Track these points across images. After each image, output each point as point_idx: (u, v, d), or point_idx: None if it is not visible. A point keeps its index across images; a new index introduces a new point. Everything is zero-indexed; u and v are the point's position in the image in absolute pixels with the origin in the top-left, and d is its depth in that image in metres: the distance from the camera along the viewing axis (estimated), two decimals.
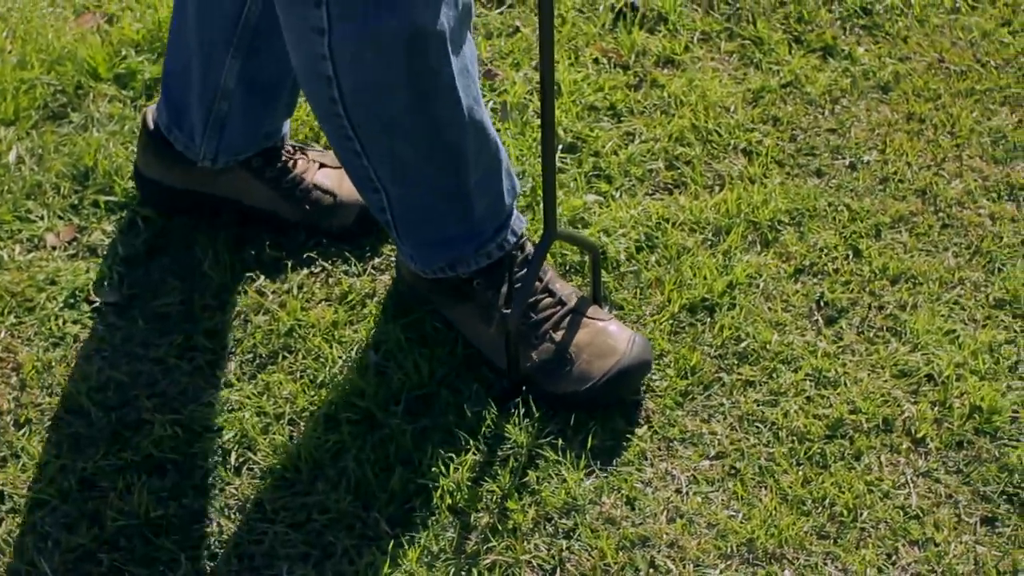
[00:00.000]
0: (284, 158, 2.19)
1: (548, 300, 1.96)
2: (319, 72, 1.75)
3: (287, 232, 2.19)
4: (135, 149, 2.26)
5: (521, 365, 1.93)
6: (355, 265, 2.15)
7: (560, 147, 2.33)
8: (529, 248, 1.99)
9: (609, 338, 1.93)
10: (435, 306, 2.04)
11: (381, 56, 1.72)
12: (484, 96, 2.40)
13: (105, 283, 2.13)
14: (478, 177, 1.89)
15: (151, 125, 2.16)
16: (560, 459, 1.89)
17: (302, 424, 1.93)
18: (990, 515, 1.84)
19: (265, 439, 1.92)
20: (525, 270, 1.94)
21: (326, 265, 2.15)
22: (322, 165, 2.21)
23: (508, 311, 1.89)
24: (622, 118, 2.39)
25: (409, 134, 1.81)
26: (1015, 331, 2.05)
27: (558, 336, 1.94)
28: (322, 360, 2.01)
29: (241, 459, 1.91)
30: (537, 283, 1.96)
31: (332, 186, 2.19)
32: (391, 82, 1.74)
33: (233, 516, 1.85)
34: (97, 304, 2.11)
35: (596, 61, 2.50)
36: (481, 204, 1.92)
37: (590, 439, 1.91)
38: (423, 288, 2.03)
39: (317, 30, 1.70)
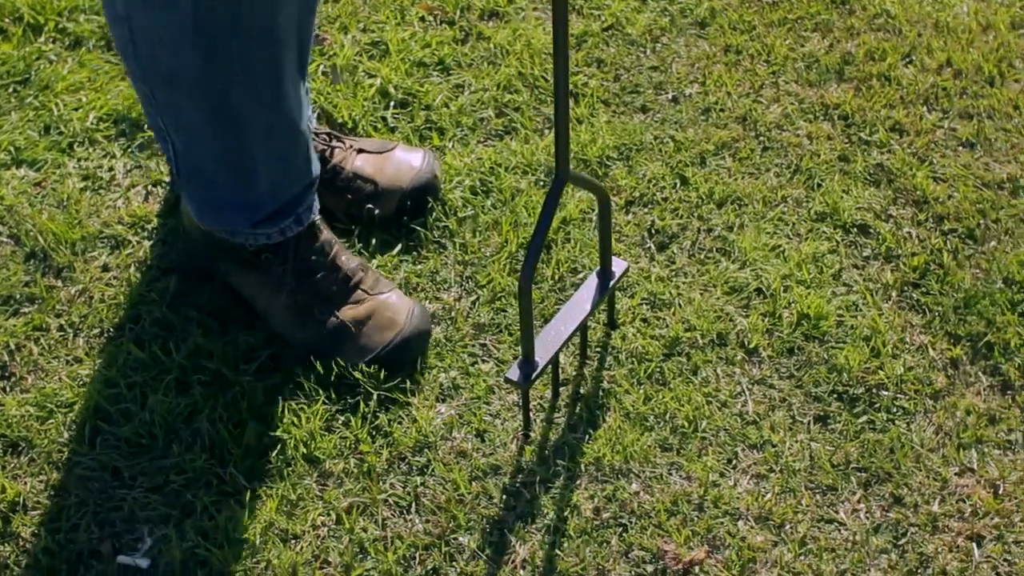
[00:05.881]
0: (321, 147, 2.13)
1: (333, 276, 1.98)
2: (115, 10, 1.72)
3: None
4: None
5: (305, 338, 1.97)
6: None
7: (392, 104, 2.37)
8: (324, 232, 1.99)
9: (388, 310, 1.98)
10: (222, 274, 2.04)
11: (168, 8, 1.68)
12: (313, 60, 2.44)
13: None
14: (265, 154, 1.86)
15: None
16: (409, 400, 1.94)
17: (153, 391, 1.96)
18: (822, 414, 1.93)
19: (117, 409, 1.94)
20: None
21: (168, 238, 2.17)
22: (360, 151, 2.16)
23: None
24: (451, 71, 2.44)
25: (193, 94, 1.77)
26: (836, 241, 2.14)
27: (341, 310, 1.97)
28: (168, 327, 2.03)
29: (95, 430, 1.92)
30: (323, 258, 1.98)
31: (372, 173, 2.14)
32: (179, 36, 1.70)
33: (91, 486, 1.87)
34: None
35: (423, 19, 2.55)
36: (265, 181, 1.90)
37: (438, 379, 1.96)
38: (213, 252, 2.02)
39: None
